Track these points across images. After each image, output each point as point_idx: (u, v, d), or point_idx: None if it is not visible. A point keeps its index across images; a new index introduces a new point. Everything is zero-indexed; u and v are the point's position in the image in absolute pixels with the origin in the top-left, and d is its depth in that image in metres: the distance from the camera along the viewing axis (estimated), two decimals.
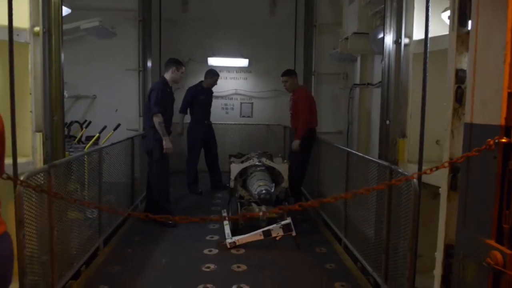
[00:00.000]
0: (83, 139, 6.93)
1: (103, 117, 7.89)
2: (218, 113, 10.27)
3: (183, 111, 7.92)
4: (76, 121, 7.78)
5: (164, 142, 5.78)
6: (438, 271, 2.75)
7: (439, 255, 2.76)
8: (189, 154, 7.97)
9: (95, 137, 6.32)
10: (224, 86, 10.29)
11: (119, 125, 7.02)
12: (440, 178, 2.84)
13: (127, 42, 8.36)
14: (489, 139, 2.12)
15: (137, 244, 5.21)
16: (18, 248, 3.06)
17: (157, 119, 5.74)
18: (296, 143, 6.60)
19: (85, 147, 6.08)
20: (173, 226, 5.88)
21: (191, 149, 7.95)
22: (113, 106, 8.45)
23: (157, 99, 5.77)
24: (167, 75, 6.09)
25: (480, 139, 2.24)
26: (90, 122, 7.46)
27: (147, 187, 6.41)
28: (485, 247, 2.17)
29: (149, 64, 8.72)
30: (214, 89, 10.07)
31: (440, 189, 2.76)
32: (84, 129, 7.30)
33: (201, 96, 7.93)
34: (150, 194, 6.29)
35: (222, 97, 10.31)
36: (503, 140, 2.12)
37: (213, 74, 8.02)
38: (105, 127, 6.71)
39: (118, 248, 5.10)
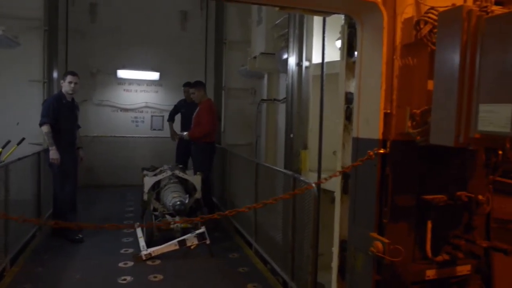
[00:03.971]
0: None
1: (3, 131, 7.46)
2: (127, 126, 10.20)
3: (169, 119, 8.63)
4: None
5: (50, 152, 5.78)
6: (335, 264, 3.21)
7: (335, 250, 3.22)
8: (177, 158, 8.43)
9: None
10: (134, 99, 10.25)
11: (23, 139, 6.71)
12: (335, 185, 3.32)
13: (31, 52, 8.01)
14: (370, 151, 2.60)
15: (48, 262, 5.07)
16: None
17: (44, 130, 5.80)
18: (186, 135, 7.13)
19: None
20: (80, 241, 5.82)
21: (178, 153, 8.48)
22: (14, 119, 8.00)
23: (46, 111, 5.85)
24: (63, 89, 6.10)
25: (364, 150, 2.72)
26: None
27: (54, 201, 6.26)
28: (370, 239, 2.65)
29: (55, 75, 8.40)
30: (124, 101, 10.12)
31: (334, 193, 3.23)
32: None
33: (182, 109, 8.40)
34: (56, 207, 6.16)
35: (132, 110, 10.25)
36: (381, 151, 2.62)
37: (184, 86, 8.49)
38: (8, 142, 6.38)
39: (26, 267, 4.92)
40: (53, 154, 5.76)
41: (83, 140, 6.86)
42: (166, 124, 10.20)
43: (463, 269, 2.81)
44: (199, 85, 7.26)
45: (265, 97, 7.99)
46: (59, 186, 5.98)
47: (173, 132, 8.42)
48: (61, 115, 5.91)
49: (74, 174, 6.16)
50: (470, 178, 2.82)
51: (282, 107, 7.32)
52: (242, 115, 9.77)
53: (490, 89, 2.07)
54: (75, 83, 6.02)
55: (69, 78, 5.99)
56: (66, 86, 6.00)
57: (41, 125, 5.81)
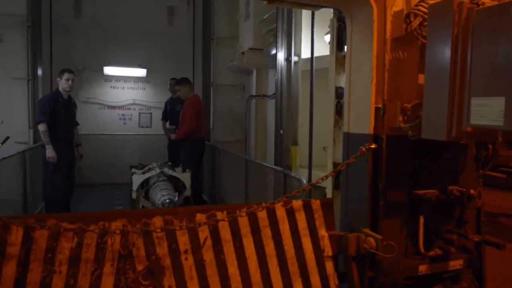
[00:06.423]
0: None
1: None
2: (115, 123, 10.06)
3: (162, 118, 8.49)
4: None
5: (47, 151, 5.77)
6: None
7: None
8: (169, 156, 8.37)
9: None
10: (121, 96, 10.11)
11: (8, 138, 6.56)
12: (326, 181, 3.29)
13: (15, 49, 7.83)
14: (362, 147, 2.57)
15: None
16: None
17: (40, 128, 5.79)
18: (173, 136, 7.10)
19: None
20: None
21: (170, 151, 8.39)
22: None
23: (42, 109, 5.83)
24: (59, 87, 6.08)
25: (356, 145, 2.70)
26: None
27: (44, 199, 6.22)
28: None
29: (40, 72, 8.26)
30: (111, 98, 9.98)
31: (326, 189, 3.21)
32: None
33: (168, 106, 8.30)
34: (47, 205, 6.12)
35: (119, 107, 10.11)
36: (373, 146, 2.59)
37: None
38: None
39: None
40: (50, 152, 5.74)
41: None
42: (154, 121, 10.17)
43: (456, 264, 2.80)
44: (184, 81, 7.19)
45: (254, 93, 7.94)
46: (50, 184, 5.93)
47: (165, 131, 8.37)
48: (58, 113, 5.89)
49: (69, 173, 6.10)
50: (461, 172, 2.81)
51: (271, 103, 7.29)
52: (231, 112, 9.70)
53: (482, 82, 2.05)
54: (72, 80, 6.03)
55: (66, 75, 5.98)
56: (64, 83, 5.99)
57: (37, 123, 5.83)
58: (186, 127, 6.77)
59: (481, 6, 2.14)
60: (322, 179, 2.82)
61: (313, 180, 3.79)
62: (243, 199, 5.48)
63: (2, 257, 2.10)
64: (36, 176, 6.43)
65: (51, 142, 5.74)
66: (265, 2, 2.77)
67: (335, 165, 3.05)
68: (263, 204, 2.47)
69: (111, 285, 2.24)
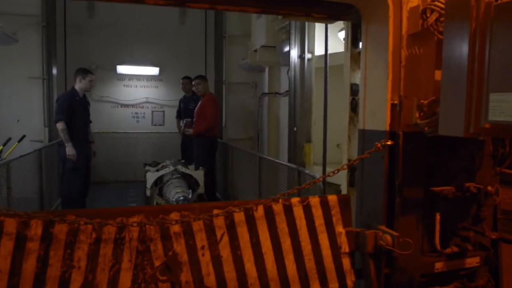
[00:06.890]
0: None
1: (3, 128, 7.45)
2: (128, 122, 10.15)
3: (177, 116, 8.57)
4: None
5: (67, 149, 5.87)
6: None
7: None
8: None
9: None
10: (134, 95, 10.19)
11: (24, 136, 6.67)
12: (341, 178, 3.29)
13: (30, 48, 7.95)
14: (377, 143, 2.56)
15: None
16: None
17: (59, 126, 5.90)
18: (189, 131, 7.09)
19: None
20: None
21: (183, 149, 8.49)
22: (14, 116, 7.97)
23: (61, 108, 5.94)
24: (76, 86, 6.19)
25: (371, 142, 2.68)
26: None
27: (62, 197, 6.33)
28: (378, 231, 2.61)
29: (54, 71, 8.37)
30: (124, 97, 10.06)
31: (341, 186, 3.20)
32: None
33: (181, 104, 8.38)
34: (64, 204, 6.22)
35: (132, 105, 10.19)
36: (389, 143, 2.58)
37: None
38: (9, 139, 6.34)
39: None
40: (70, 150, 5.85)
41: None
42: (167, 119, 10.24)
43: (472, 261, 2.78)
44: (203, 77, 7.26)
45: (266, 91, 7.95)
46: (69, 182, 6.04)
47: (179, 128, 8.42)
48: (75, 112, 6.01)
49: (86, 170, 6.20)
50: (478, 169, 2.78)
51: (283, 101, 7.28)
52: (243, 110, 9.73)
53: (501, 78, 2.02)
54: (93, 81, 6.26)
55: (90, 76, 6.17)
56: (86, 83, 6.14)
57: (56, 122, 5.94)
58: (206, 123, 6.81)
59: (499, 1, 2.11)
60: (333, 172, 2.80)
61: (328, 178, 3.79)
62: (256, 197, 5.49)
63: (22, 252, 2.13)
64: (51, 174, 6.52)
65: (70, 140, 5.84)
66: (280, 17, 2.76)
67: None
68: (280, 200, 2.47)
69: (129, 280, 2.27)
